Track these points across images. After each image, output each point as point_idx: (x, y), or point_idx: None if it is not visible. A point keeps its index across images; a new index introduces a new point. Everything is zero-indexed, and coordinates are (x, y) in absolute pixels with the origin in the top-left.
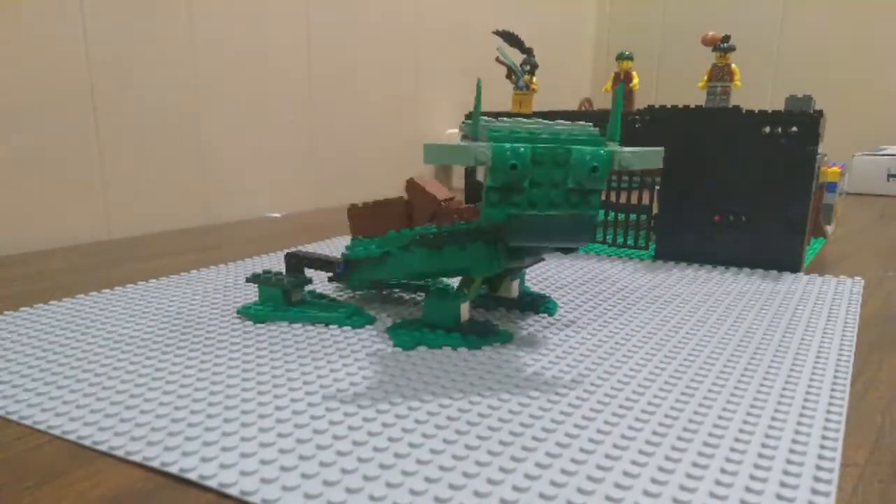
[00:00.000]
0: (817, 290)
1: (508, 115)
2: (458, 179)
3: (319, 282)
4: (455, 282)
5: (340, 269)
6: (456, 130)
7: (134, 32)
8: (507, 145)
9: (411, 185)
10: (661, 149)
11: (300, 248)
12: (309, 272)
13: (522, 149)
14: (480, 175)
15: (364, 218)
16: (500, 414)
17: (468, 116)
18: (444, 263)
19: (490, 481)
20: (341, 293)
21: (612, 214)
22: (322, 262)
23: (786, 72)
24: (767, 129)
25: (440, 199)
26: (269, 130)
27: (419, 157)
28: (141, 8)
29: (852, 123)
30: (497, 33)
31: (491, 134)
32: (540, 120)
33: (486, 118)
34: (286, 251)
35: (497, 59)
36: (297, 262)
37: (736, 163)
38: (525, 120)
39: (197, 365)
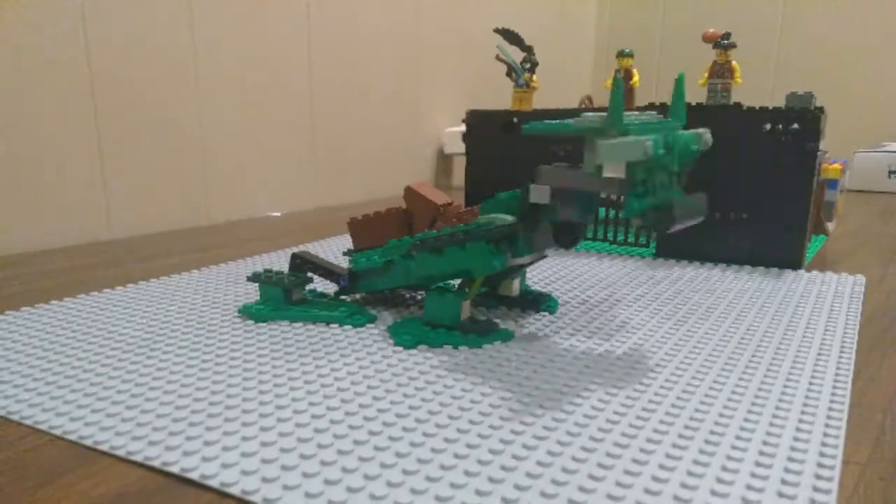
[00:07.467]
0: (818, 288)
1: (507, 114)
2: (459, 179)
3: (320, 280)
4: (456, 281)
5: (344, 283)
6: (455, 129)
7: (134, 33)
8: (654, 137)
9: (409, 192)
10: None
11: (302, 247)
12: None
13: (663, 140)
14: (537, 196)
15: (365, 230)
16: (502, 412)
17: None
18: (446, 265)
19: (491, 480)
20: None
21: (612, 212)
22: (326, 272)
23: (786, 68)
24: (768, 127)
25: (439, 205)
26: (269, 130)
27: (419, 157)
28: (141, 8)
29: (853, 120)
30: (497, 31)
31: (627, 127)
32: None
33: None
34: (293, 250)
35: (497, 57)
36: (300, 264)
37: (737, 160)
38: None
39: (198, 364)
